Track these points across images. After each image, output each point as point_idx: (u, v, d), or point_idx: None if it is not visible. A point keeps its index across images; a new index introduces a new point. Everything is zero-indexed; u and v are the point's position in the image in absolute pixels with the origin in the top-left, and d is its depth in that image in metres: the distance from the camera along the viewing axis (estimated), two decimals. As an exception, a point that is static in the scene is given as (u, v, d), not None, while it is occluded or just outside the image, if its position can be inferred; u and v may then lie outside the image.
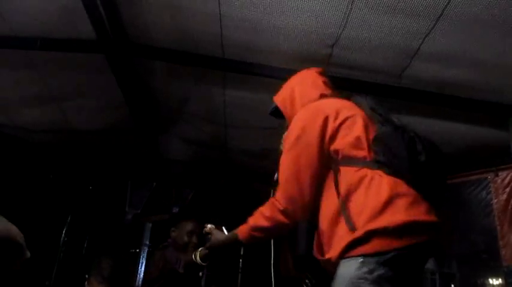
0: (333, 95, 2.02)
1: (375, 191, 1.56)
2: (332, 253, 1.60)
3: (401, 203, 1.53)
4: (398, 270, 1.49)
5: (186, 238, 3.65)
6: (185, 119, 4.40)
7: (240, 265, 6.11)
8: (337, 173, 1.69)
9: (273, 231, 1.87)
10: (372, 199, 1.55)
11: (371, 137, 1.71)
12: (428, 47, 2.93)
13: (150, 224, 6.06)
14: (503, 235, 4.07)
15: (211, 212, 6.21)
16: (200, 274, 3.51)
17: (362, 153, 1.68)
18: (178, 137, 4.87)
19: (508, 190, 4.10)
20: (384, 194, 1.53)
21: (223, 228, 3.28)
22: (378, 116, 1.79)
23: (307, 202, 1.76)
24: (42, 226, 5.14)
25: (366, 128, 1.75)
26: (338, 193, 1.65)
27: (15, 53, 3.43)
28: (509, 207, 4.06)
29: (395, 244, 1.48)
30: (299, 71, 2.20)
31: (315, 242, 1.77)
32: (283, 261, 6.02)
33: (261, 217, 1.83)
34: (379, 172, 1.60)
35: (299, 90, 2.04)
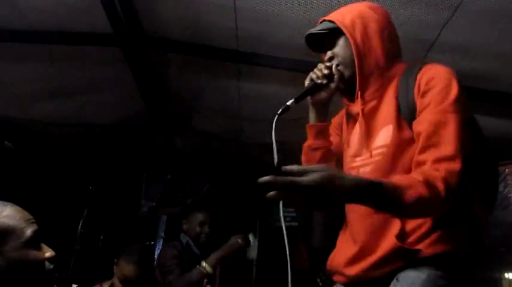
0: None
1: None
2: (435, 248, 1.37)
3: None
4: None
5: (198, 229, 3.71)
6: (200, 112, 4.41)
7: (255, 258, 6.12)
8: None
9: (426, 215, 1.42)
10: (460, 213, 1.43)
11: None
12: (446, 38, 2.89)
13: (165, 217, 6.11)
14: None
15: (226, 205, 6.25)
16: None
17: None
18: (193, 129, 4.88)
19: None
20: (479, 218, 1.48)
21: (250, 236, 3.28)
22: None
23: None
24: (60, 218, 5.21)
25: None
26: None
27: (32, 48, 3.45)
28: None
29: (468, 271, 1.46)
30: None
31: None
32: (298, 254, 6.04)
33: (436, 197, 1.28)
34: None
35: (376, 23, 1.61)
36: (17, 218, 1.66)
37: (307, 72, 1.80)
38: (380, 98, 1.58)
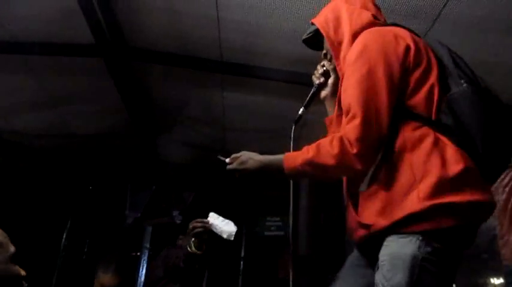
0: (387, 24, 1.67)
1: (439, 157, 1.34)
2: (385, 220, 1.36)
3: (471, 180, 1.34)
4: (454, 250, 1.38)
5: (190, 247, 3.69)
6: (184, 122, 4.41)
7: (241, 267, 6.12)
8: (395, 122, 1.42)
9: (335, 173, 1.54)
10: (436, 166, 1.32)
11: (442, 94, 1.43)
12: (426, 47, 2.93)
13: (151, 228, 6.06)
14: (503, 234, 4.06)
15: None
16: (197, 266, 3.52)
17: (428, 108, 1.41)
18: (177, 140, 4.87)
19: (507, 189, 4.09)
20: (455, 166, 1.32)
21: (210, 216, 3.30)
22: (459, 72, 1.48)
23: (383, 139, 1.41)
24: (43, 230, 5.14)
25: (441, 81, 1.45)
26: (392, 145, 1.41)
27: (14, 58, 3.43)
28: (509, 207, 4.06)
29: (459, 221, 1.32)
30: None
31: (351, 207, 1.52)
32: (282, 262, 6.02)
33: (326, 154, 1.42)
34: (443, 137, 1.37)
35: (346, 10, 1.65)
36: (2, 233, 1.66)
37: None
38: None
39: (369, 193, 1.44)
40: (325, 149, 1.44)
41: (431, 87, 1.43)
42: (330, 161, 1.42)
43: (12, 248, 1.66)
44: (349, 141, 1.39)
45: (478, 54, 2.97)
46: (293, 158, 1.51)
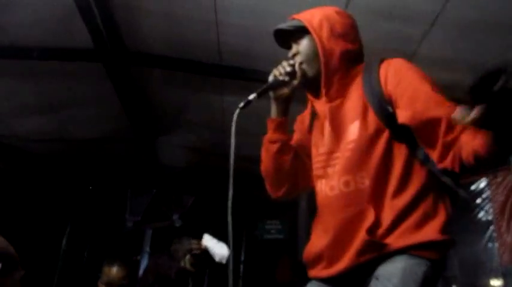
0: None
1: (444, 200, 1.47)
2: (402, 241, 1.40)
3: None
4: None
5: (182, 255, 3.73)
6: (184, 126, 4.41)
7: (241, 271, 6.12)
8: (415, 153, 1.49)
9: None
10: (443, 208, 1.46)
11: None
12: (424, 51, 2.95)
13: (151, 231, 6.06)
14: (501, 236, 4.08)
15: (211, 218, 6.23)
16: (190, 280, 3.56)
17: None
18: (177, 144, 4.87)
19: (505, 191, 4.12)
20: (450, 211, 1.46)
21: (205, 237, 3.30)
22: None
23: None
24: (42, 235, 5.14)
25: None
26: (419, 179, 1.46)
27: (12, 63, 3.44)
28: (507, 208, 4.08)
29: (445, 254, 1.46)
30: None
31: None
32: (282, 266, 6.01)
33: None
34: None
35: (342, 25, 1.67)
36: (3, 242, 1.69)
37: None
38: (344, 96, 1.62)
39: (385, 212, 1.46)
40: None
41: None
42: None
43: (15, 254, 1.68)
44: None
45: (475, 57, 2.98)
46: None
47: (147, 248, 5.95)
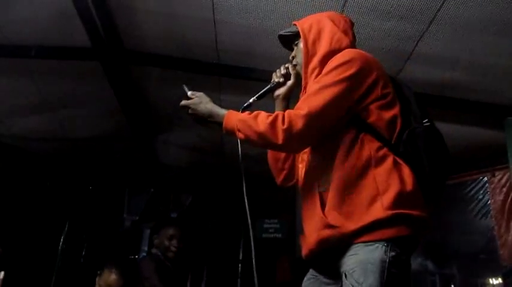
0: None
1: (398, 175, 1.55)
2: (352, 224, 1.50)
3: (420, 199, 1.58)
4: (408, 256, 1.56)
5: (166, 243, 3.76)
6: (181, 125, 4.41)
7: (239, 270, 6.12)
8: (360, 136, 1.61)
9: (260, 140, 1.63)
10: (396, 183, 1.53)
11: (404, 126, 1.66)
12: (422, 50, 2.95)
13: (149, 231, 6.05)
14: (501, 235, 4.08)
15: (209, 217, 6.23)
16: None
17: (389, 134, 1.63)
18: (175, 142, 4.87)
19: (504, 190, 4.12)
20: (410, 184, 1.54)
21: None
22: (422, 112, 1.73)
23: (312, 141, 1.67)
24: (40, 234, 5.13)
25: (403, 115, 1.68)
26: (360, 158, 1.58)
27: (10, 62, 3.43)
28: (506, 207, 4.08)
29: (412, 232, 1.52)
30: None
31: (319, 205, 1.62)
32: (280, 265, 6.01)
33: (260, 120, 1.61)
34: (400, 161, 1.58)
35: (330, 29, 1.80)
36: None
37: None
38: None
39: (334, 196, 1.58)
40: (262, 116, 1.62)
41: (394, 117, 1.65)
42: (260, 127, 1.60)
43: None
44: (283, 119, 1.58)
45: (473, 55, 2.98)
46: (233, 115, 1.69)
47: (145, 248, 5.94)
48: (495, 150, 3.93)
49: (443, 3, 2.56)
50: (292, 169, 1.92)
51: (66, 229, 5.58)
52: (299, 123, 1.56)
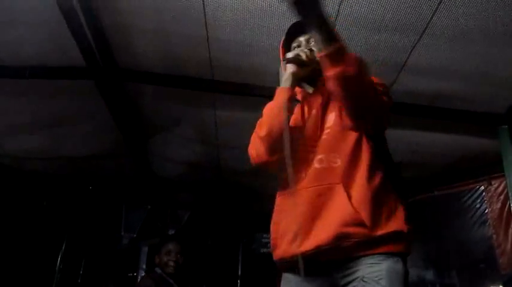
0: None
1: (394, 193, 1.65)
2: (379, 229, 1.55)
3: None
4: None
5: (165, 258, 3.75)
6: (177, 141, 4.41)
7: (239, 273, 6.09)
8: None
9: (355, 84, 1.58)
10: (395, 200, 1.64)
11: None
12: (415, 61, 2.97)
13: (147, 248, 6.02)
14: (499, 243, 4.08)
15: (208, 232, 6.20)
16: None
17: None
18: (171, 159, 4.86)
19: (501, 198, 4.12)
20: (405, 206, 1.65)
21: None
22: None
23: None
24: (38, 254, 5.09)
25: None
26: (380, 168, 1.67)
27: (5, 82, 3.42)
28: (504, 215, 4.08)
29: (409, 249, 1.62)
30: None
31: (344, 210, 1.59)
32: (279, 280, 5.95)
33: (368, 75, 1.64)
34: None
35: None
36: None
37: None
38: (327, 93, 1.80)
39: (364, 198, 1.58)
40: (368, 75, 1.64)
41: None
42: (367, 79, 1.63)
43: None
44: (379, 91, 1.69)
45: (466, 65, 3.00)
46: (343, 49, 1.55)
47: (143, 265, 5.89)
48: (491, 159, 3.94)
49: (434, 14, 2.58)
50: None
51: (63, 247, 5.54)
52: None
